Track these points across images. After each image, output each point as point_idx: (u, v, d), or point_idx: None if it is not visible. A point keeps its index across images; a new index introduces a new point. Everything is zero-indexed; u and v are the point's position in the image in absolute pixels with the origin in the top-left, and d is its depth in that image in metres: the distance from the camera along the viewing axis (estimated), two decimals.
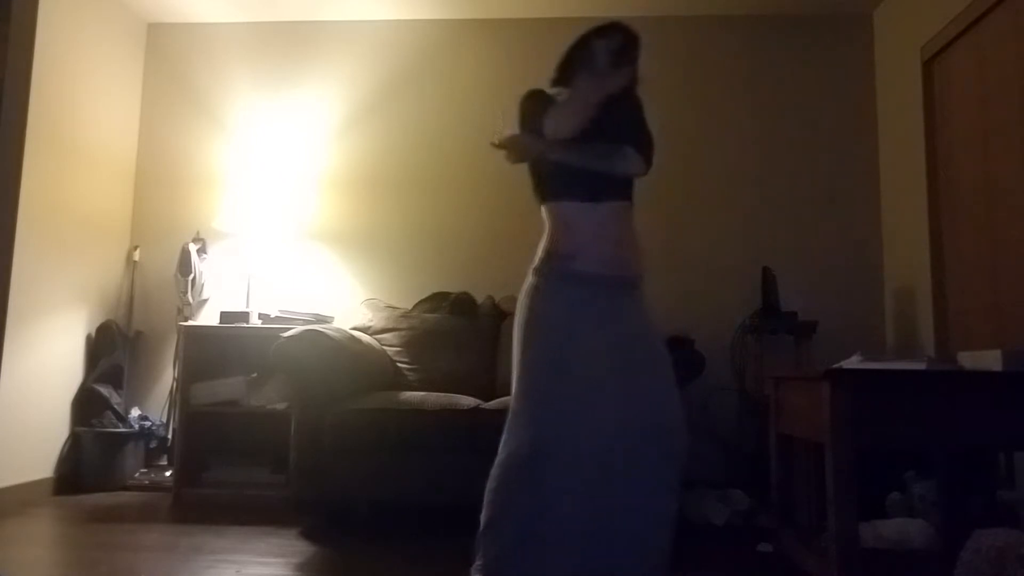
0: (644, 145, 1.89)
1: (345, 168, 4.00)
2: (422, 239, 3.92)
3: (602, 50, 1.90)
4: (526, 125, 1.89)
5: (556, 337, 1.79)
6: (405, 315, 3.55)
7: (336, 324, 3.60)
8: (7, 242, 3.18)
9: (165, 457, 3.78)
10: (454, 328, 3.44)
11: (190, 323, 3.59)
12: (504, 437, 1.78)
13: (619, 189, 1.89)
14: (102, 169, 3.80)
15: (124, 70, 3.98)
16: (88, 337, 3.70)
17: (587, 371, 1.76)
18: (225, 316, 3.48)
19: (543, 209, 1.93)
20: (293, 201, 3.86)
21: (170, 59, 4.13)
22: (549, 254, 1.87)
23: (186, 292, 3.74)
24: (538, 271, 1.88)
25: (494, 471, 1.77)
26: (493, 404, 2.87)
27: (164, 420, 3.79)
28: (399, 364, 3.40)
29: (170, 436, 3.73)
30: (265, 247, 3.90)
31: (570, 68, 1.97)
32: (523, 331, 1.84)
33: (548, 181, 1.90)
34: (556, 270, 1.84)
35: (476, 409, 2.82)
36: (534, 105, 1.90)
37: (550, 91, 1.97)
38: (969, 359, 2.18)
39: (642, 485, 1.76)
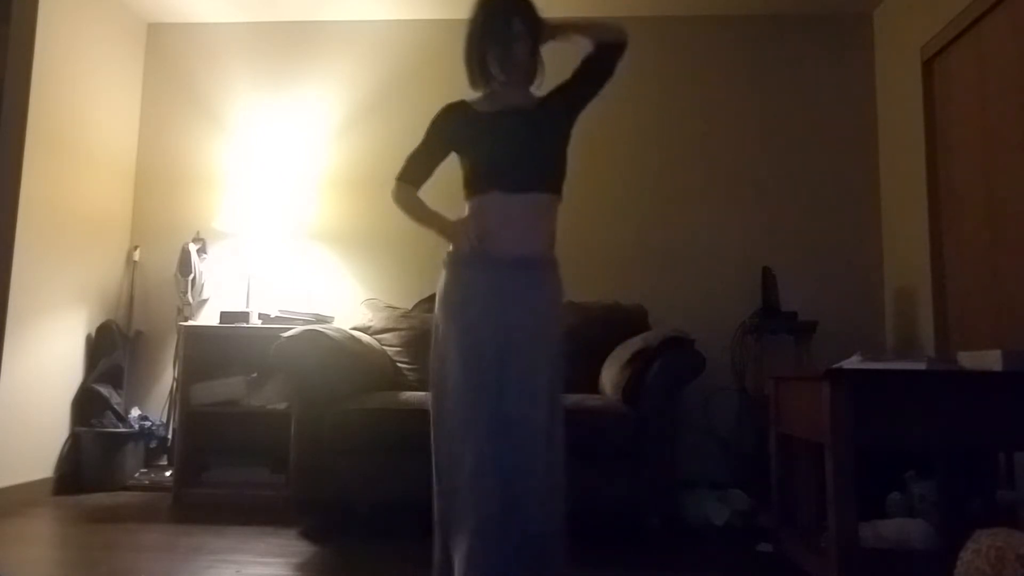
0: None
1: (345, 168, 4.00)
2: (422, 239, 3.91)
3: (497, 58, 1.87)
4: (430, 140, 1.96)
5: (467, 326, 1.80)
6: (405, 315, 3.55)
7: (336, 324, 3.60)
8: (7, 242, 3.18)
9: (165, 457, 3.78)
10: None
11: (190, 323, 3.59)
12: (456, 446, 1.74)
13: (544, 182, 1.87)
14: (102, 169, 3.80)
15: (124, 70, 3.98)
16: (88, 337, 3.70)
17: (489, 353, 1.77)
18: (225, 316, 3.48)
19: (467, 206, 1.92)
20: (293, 201, 3.86)
21: (170, 59, 4.13)
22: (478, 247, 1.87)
23: (186, 292, 3.74)
24: (445, 262, 1.91)
25: (476, 483, 1.69)
26: None
27: (164, 420, 3.79)
28: (399, 364, 3.41)
29: (170, 436, 3.73)
30: (265, 247, 3.90)
31: (478, 68, 1.92)
32: (442, 324, 1.86)
33: (475, 175, 1.89)
34: (461, 256, 1.86)
35: None
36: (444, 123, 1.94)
37: (471, 99, 1.96)
38: (969, 359, 2.18)
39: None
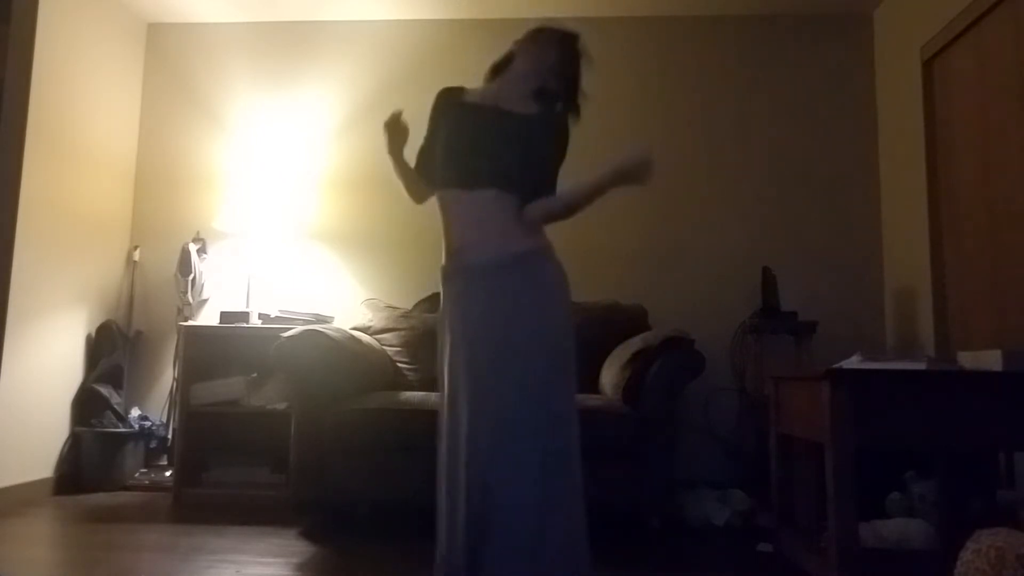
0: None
1: (345, 168, 4.00)
2: (422, 239, 3.92)
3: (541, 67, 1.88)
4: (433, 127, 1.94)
5: (450, 335, 1.83)
6: (405, 315, 3.55)
7: (336, 324, 3.60)
8: (7, 242, 3.18)
9: (165, 457, 3.78)
10: None
11: (190, 323, 3.59)
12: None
13: (496, 179, 1.78)
14: (102, 169, 3.80)
15: (124, 70, 3.98)
16: (88, 337, 3.70)
17: (468, 360, 1.78)
18: (225, 316, 3.48)
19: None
20: (293, 201, 3.86)
21: (170, 59, 4.13)
22: (446, 254, 1.85)
23: (186, 292, 3.74)
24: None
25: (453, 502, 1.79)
26: None
27: (164, 420, 3.79)
28: (399, 364, 3.41)
29: (170, 436, 3.73)
30: (265, 247, 3.90)
31: (504, 60, 1.95)
32: (438, 335, 1.89)
33: (432, 168, 1.90)
34: (444, 270, 1.85)
35: None
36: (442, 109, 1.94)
37: (471, 88, 1.96)
38: (969, 359, 2.18)
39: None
